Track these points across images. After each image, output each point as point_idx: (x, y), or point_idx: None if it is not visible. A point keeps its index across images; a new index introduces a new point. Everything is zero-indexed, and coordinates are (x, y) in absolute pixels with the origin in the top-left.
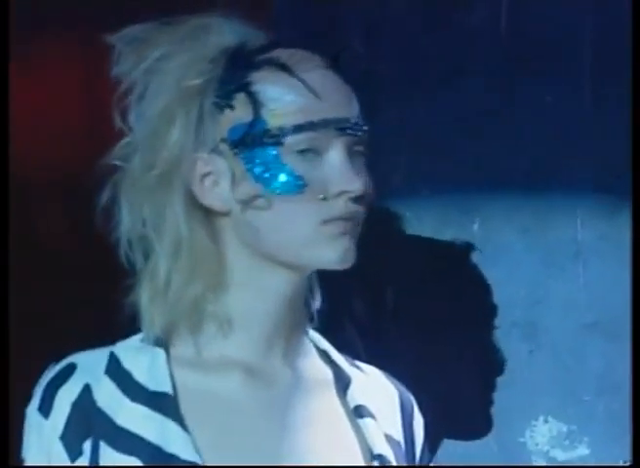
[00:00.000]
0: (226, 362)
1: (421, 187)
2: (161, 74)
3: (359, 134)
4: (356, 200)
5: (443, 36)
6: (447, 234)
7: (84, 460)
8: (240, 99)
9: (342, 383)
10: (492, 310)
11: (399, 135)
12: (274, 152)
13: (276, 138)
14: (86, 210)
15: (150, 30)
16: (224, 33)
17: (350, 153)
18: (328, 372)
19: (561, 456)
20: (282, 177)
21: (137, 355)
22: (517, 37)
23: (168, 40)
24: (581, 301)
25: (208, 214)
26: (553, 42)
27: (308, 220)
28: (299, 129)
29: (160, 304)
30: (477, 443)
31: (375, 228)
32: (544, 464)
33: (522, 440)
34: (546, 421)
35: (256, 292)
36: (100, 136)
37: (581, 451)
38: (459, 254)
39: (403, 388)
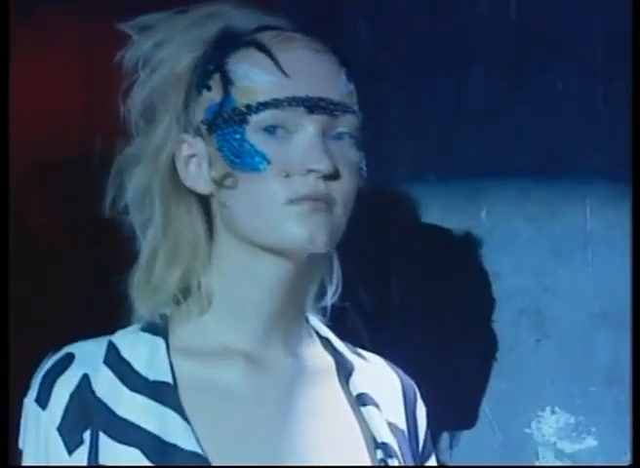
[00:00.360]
0: (226, 351)
1: (428, 175)
2: (156, 60)
3: (336, 114)
4: (326, 179)
5: (450, 24)
6: (454, 222)
7: (83, 450)
8: (216, 80)
9: (345, 371)
10: (498, 299)
11: (406, 121)
12: (240, 130)
13: (243, 116)
14: (88, 203)
15: (161, 18)
16: (233, 19)
17: (328, 134)
18: (330, 360)
19: (568, 448)
20: (245, 155)
21: (136, 344)
22: (524, 26)
23: (171, 26)
24: (590, 291)
25: (203, 200)
26: (562, 30)
27: (274, 199)
28: (263, 106)
29: (144, 291)
30: (483, 433)
31: (381, 215)
32: (552, 457)
33: (528, 431)
34: (553, 412)
35: (248, 280)
36: (101, 130)
37: (589, 443)
38: (465, 242)
39: (405, 376)
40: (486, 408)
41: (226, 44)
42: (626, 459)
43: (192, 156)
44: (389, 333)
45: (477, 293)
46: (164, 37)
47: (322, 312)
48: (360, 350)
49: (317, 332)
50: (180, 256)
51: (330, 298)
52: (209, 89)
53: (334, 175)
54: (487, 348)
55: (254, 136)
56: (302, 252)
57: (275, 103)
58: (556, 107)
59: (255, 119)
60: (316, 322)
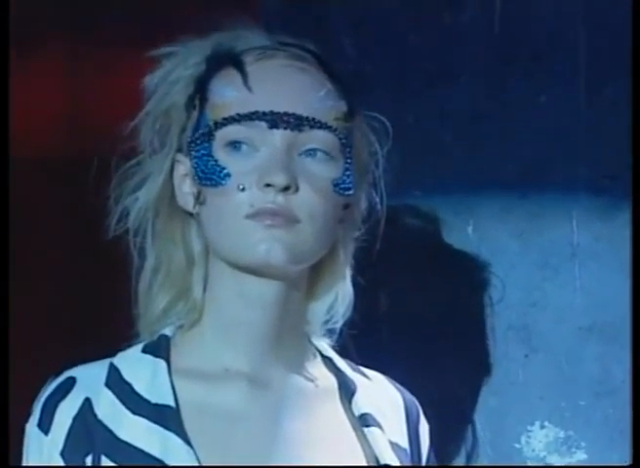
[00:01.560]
0: (228, 373)
1: (414, 190)
2: (167, 82)
3: (302, 129)
4: (287, 194)
5: (435, 36)
6: (440, 237)
7: None
8: (198, 98)
9: (347, 391)
10: (486, 313)
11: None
12: (208, 146)
13: (210, 132)
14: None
15: (184, 44)
16: (231, 42)
17: (296, 149)
18: (332, 380)
19: (558, 462)
20: (209, 170)
21: (137, 366)
22: (508, 37)
23: (186, 52)
24: (577, 304)
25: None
26: (546, 41)
27: (234, 213)
28: (227, 121)
29: (143, 312)
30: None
31: (367, 230)
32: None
33: (518, 446)
34: (543, 426)
35: (238, 301)
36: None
37: (579, 457)
38: (452, 257)
39: (408, 394)
40: (476, 423)
41: (214, 65)
42: None
43: (186, 175)
44: (377, 349)
45: (464, 309)
46: (178, 61)
47: (329, 334)
48: (362, 368)
49: (320, 352)
50: (172, 279)
51: (340, 319)
52: (194, 108)
53: (291, 190)
54: (475, 364)
55: (219, 151)
56: (262, 267)
57: (238, 118)
58: (541, 120)
59: (219, 134)
60: (319, 342)
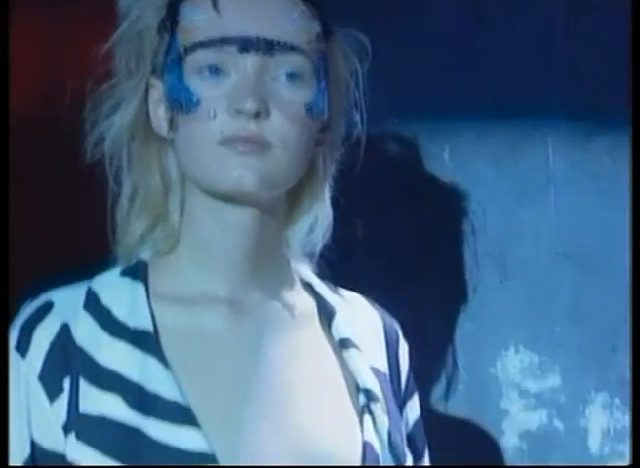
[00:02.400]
0: (207, 297)
1: (390, 115)
2: (140, 5)
3: (274, 53)
4: (258, 120)
5: None
6: (416, 163)
7: (63, 398)
8: (169, 22)
9: (327, 315)
10: (462, 240)
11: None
12: (179, 71)
13: (181, 57)
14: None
15: None
16: None
17: (269, 73)
18: (312, 305)
19: (533, 387)
20: (180, 96)
21: (115, 290)
22: None
23: None
24: (553, 231)
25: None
26: None
27: (206, 140)
28: (196, 46)
29: (122, 238)
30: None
31: (343, 157)
32: (517, 396)
33: (493, 370)
34: (517, 351)
35: (214, 227)
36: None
37: (553, 382)
38: (428, 183)
39: (388, 316)
40: (456, 348)
41: None
42: (591, 398)
43: (160, 100)
44: (352, 274)
45: (441, 236)
46: None
47: (310, 257)
48: (342, 291)
49: (300, 276)
50: (149, 205)
51: (319, 241)
52: (166, 31)
53: (263, 116)
54: (452, 290)
55: (190, 76)
56: (235, 193)
57: (207, 43)
58: (518, 47)
59: (190, 59)
60: (299, 266)
